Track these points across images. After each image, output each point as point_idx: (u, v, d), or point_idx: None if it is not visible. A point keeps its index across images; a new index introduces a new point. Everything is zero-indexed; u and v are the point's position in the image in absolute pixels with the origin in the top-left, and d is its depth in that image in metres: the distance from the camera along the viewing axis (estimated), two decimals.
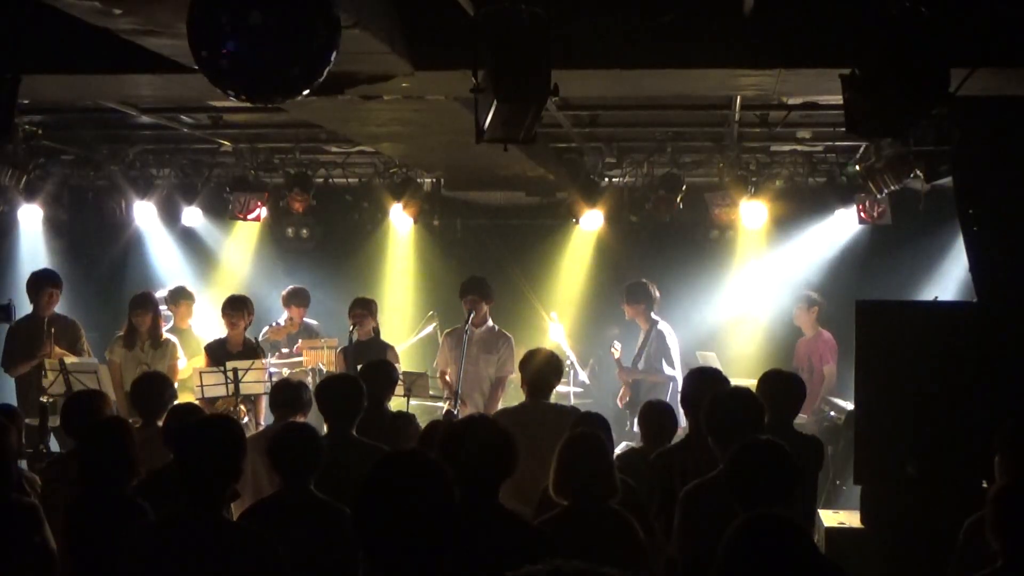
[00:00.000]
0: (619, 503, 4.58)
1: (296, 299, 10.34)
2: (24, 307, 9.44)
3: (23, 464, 6.64)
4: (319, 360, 9.49)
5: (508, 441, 4.00)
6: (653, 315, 9.76)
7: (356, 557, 4.32)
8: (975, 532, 4.24)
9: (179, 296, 9.84)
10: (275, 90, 4.18)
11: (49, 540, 4.70)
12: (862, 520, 6.71)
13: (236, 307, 9.11)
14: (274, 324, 10.37)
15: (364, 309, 9.21)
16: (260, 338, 9.69)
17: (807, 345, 10.38)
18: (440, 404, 8.98)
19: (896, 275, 10.57)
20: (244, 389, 8.35)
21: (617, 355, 9.67)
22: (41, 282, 9.26)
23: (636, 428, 7.29)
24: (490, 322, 9.08)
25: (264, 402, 8.50)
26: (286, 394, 6.25)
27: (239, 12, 3.85)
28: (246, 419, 8.21)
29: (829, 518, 6.86)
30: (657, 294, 9.79)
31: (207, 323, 10.02)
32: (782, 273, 11.36)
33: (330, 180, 11.31)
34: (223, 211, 11.39)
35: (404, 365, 9.26)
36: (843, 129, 5.49)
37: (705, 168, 10.62)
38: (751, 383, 6.28)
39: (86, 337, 9.36)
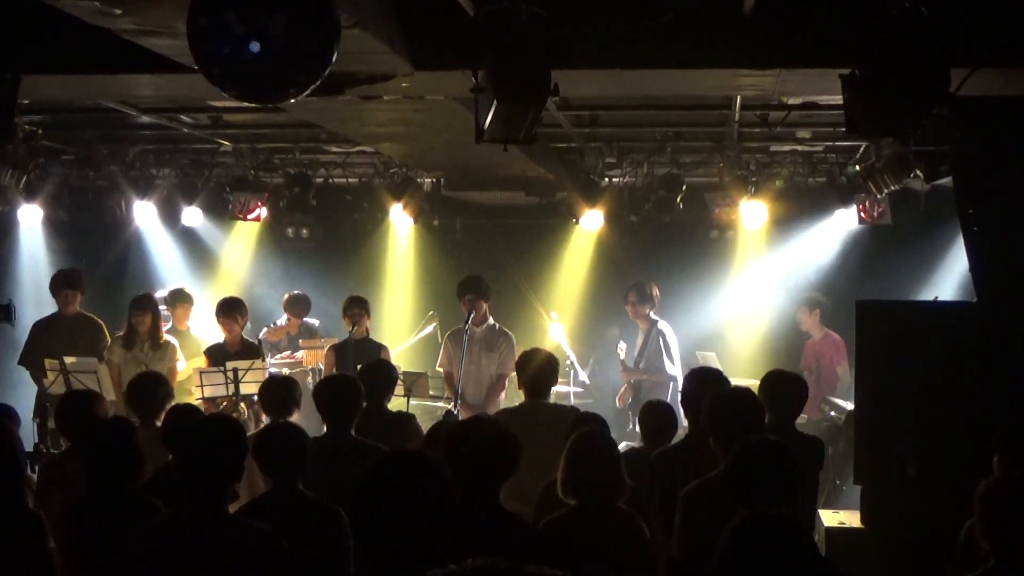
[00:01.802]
0: (623, 503, 4.58)
1: (294, 308, 10.36)
2: (26, 308, 9.48)
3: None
4: (319, 360, 9.50)
5: (509, 442, 4.00)
6: (652, 315, 9.78)
7: (347, 556, 4.34)
8: (974, 533, 4.24)
9: (177, 299, 9.84)
10: (275, 90, 4.18)
11: (50, 548, 4.70)
12: (862, 520, 6.71)
13: (228, 312, 9.08)
14: (272, 325, 10.37)
15: (362, 308, 9.23)
16: (259, 338, 9.70)
17: (814, 347, 10.39)
18: (440, 404, 8.99)
19: (896, 275, 10.57)
20: (244, 389, 8.36)
21: (622, 355, 9.70)
22: (55, 284, 9.36)
23: (637, 428, 7.29)
24: (491, 320, 9.09)
25: None
26: (276, 393, 6.25)
27: (239, 12, 3.85)
28: (245, 415, 8.21)
29: (829, 518, 6.86)
30: (657, 293, 9.85)
31: (207, 324, 10.03)
32: (782, 273, 11.36)
33: (330, 180, 11.30)
34: (223, 211, 11.39)
35: (404, 365, 9.26)
36: (843, 129, 5.49)
37: (705, 168, 10.62)
38: (751, 383, 6.28)
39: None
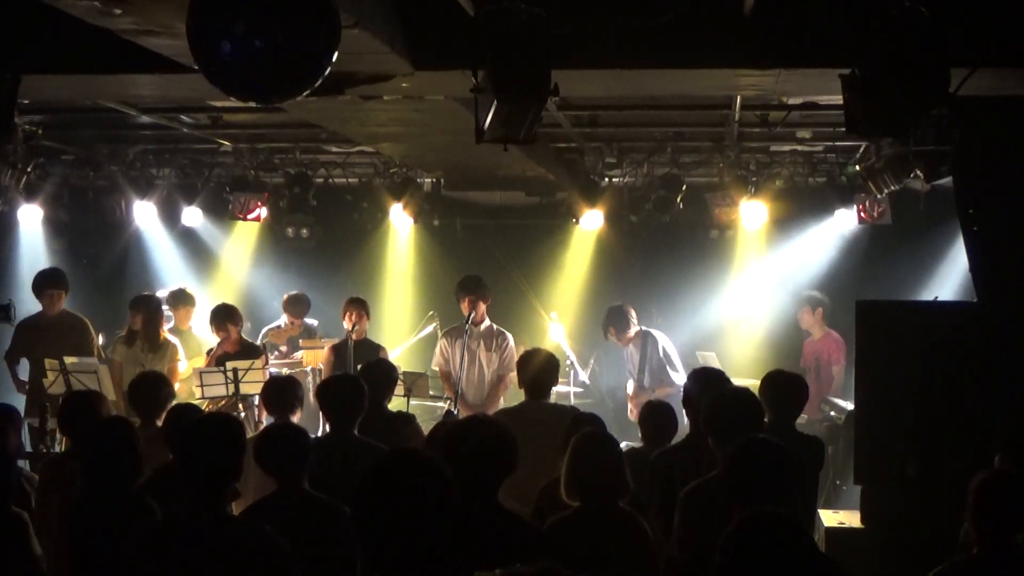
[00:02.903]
0: (625, 503, 4.58)
1: (294, 307, 10.34)
2: (26, 308, 9.48)
3: (24, 464, 6.65)
4: (319, 360, 9.49)
5: (508, 441, 4.00)
6: (638, 328, 9.66)
7: (353, 555, 4.34)
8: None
9: (178, 300, 9.80)
10: (275, 90, 4.18)
11: (36, 550, 4.71)
12: (862, 520, 6.71)
13: (219, 322, 8.96)
14: (274, 326, 10.36)
15: (362, 309, 9.22)
16: (260, 340, 9.69)
17: (813, 346, 10.38)
18: (440, 404, 8.99)
19: (896, 275, 10.57)
20: (244, 389, 8.35)
21: (631, 392, 9.63)
22: (39, 285, 9.28)
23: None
24: (488, 322, 9.10)
25: None
26: (278, 393, 6.25)
27: (238, 12, 3.85)
28: (244, 415, 8.21)
29: (829, 518, 6.86)
30: (633, 312, 9.75)
31: (205, 324, 10.04)
32: (782, 273, 11.36)
33: (330, 180, 11.31)
34: (223, 211, 11.40)
35: (404, 365, 9.26)
36: (843, 129, 5.49)
37: (705, 168, 10.62)
38: (751, 383, 6.28)
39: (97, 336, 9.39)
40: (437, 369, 9.18)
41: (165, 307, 9.71)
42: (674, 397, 9.20)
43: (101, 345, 9.48)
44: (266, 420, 8.50)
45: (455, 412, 8.13)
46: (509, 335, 9.08)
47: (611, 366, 10.58)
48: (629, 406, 9.77)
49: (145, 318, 9.06)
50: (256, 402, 8.50)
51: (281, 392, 6.23)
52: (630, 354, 9.77)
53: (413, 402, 8.50)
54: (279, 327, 10.36)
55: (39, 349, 8.93)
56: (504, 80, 4.66)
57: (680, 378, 9.37)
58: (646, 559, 4.50)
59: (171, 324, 9.67)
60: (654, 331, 9.71)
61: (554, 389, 7.13)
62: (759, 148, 10.23)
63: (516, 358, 7.66)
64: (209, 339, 9.55)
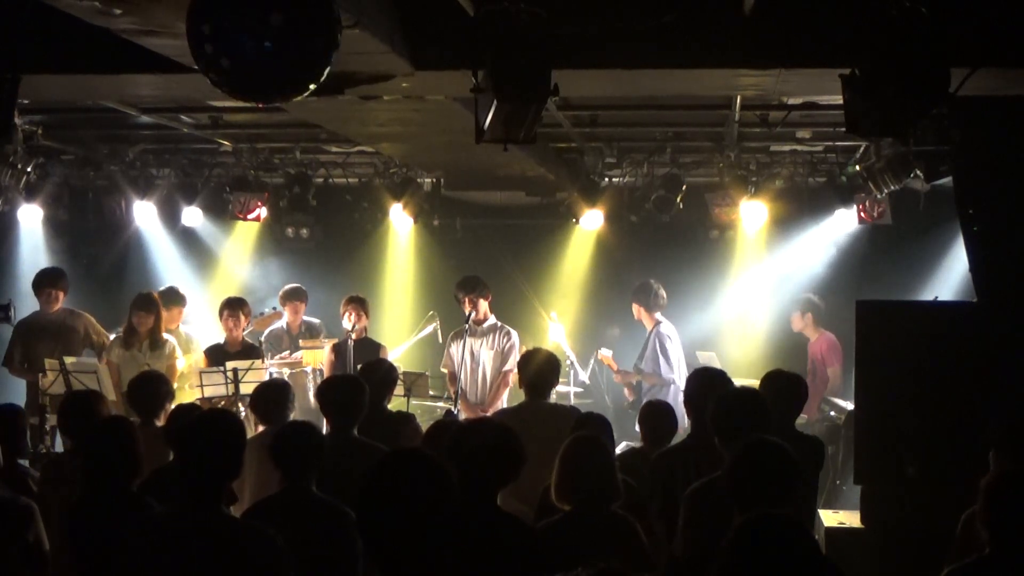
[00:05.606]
0: (620, 505, 4.57)
1: (293, 297, 10.29)
2: (26, 308, 9.48)
3: (25, 463, 6.65)
4: (319, 360, 9.48)
5: (513, 447, 4.00)
6: (658, 316, 9.75)
7: (356, 557, 4.34)
8: (972, 524, 4.27)
9: (170, 300, 9.60)
10: (275, 90, 4.18)
11: (42, 539, 4.71)
12: (862, 520, 6.71)
13: (234, 308, 9.10)
14: (259, 314, 10.29)
15: (362, 307, 9.23)
16: (261, 340, 9.67)
17: (812, 348, 10.41)
18: (440, 404, 8.99)
19: (896, 275, 10.58)
20: (244, 389, 8.34)
21: (607, 361, 9.71)
22: (38, 283, 9.28)
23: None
24: (492, 319, 9.11)
25: None
26: (265, 399, 6.23)
27: (238, 12, 3.85)
28: (244, 414, 8.20)
29: (829, 518, 6.86)
30: (662, 293, 9.79)
31: (205, 323, 10.01)
32: (782, 273, 11.37)
33: (330, 180, 11.32)
34: (223, 211, 11.40)
35: (404, 365, 9.26)
36: (843, 129, 5.49)
37: (705, 168, 10.63)
38: (751, 383, 6.28)
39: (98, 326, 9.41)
40: (446, 371, 9.19)
41: None
42: (665, 393, 9.29)
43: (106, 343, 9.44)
44: None
45: (455, 412, 8.14)
46: (514, 332, 9.10)
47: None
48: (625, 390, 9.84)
49: (157, 316, 9.05)
50: None
51: (269, 399, 6.21)
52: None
53: (413, 402, 8.51)
54: (262, 313, 10.26)
55: (39, 348, 8.92)
56: (504, 80, 4.66)
57: (669, 373, 9.41)
58: (639, 562, 4.49)
59: None
60: (665, 325, 9.74)
61: (554, 389, 7.14)
62: (759, 148, 10.23)
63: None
64: (197, 336, 9.56)
